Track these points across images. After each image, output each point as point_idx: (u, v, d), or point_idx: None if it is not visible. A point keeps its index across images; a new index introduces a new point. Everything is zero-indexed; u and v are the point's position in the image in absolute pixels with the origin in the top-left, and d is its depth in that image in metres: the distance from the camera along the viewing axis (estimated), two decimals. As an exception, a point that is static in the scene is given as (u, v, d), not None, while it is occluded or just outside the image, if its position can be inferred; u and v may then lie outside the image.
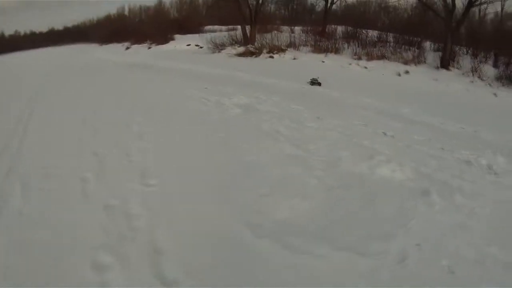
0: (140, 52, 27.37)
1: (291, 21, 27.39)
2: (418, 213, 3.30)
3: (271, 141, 5.30)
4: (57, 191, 4.12)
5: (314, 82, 10.83)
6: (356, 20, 21.33)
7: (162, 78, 12.02)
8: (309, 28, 21.11)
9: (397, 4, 21.96)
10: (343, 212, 3.33)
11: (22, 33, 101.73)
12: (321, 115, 6.50)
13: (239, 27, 23.39)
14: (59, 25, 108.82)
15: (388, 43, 17.19)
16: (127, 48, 32.50)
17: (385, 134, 5.59)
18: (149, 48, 28.67)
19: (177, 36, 29.33)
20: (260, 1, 21.93)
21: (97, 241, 3.11)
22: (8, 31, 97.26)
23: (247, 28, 21.29)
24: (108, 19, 66.97)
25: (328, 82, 9.94)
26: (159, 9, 46.24)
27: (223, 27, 30.86)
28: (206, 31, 30.86)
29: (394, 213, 3.30)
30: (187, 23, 33.76)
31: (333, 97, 8.16)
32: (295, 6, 35.82)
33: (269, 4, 28.84)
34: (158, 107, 7.78)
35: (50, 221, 3.50)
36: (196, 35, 28.45)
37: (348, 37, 18.71)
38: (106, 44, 50.91)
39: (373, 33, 18.51)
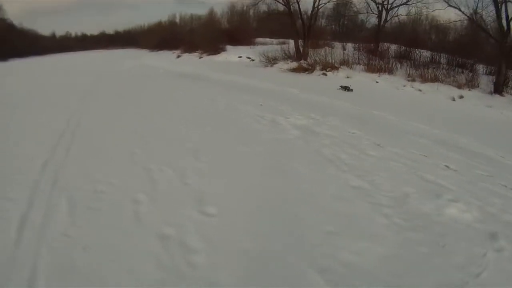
0: (191, 61, 27.54)
1: (341, 37, 27.34)
2: (488, 261, 3.21)
3: (334, 170, 5.13)
4: (106, 212, 4.00)
5: (347, 88, 11.12)
6: (408, 38, 21.15)
7: (216, 91, 12.07)
8: (361, 45, 20.92)
9: (448, 24, 21.60)
10: (414, 257, 3.25)
11: (73, 34, 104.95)
12: (381, 141, 6.43)
13: (290, 41, 23.44)
14: (110, 29, 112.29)
15: (440, 65, 16.98)
16: (178, 56, 33.07)
17: (447, 167, 5.47)
18: (200, 57, 29.08)
19: (228, 47, 29.59)
20: (314, 15, 21.89)
21: (151, 276, 3.01)
22: (60, 32, 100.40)
23: (300, 42, 21.23)
24: (159, 26, 68.23)
25: (383, 105, 9.85)
26: (210, 19, 46.75)
27: (274, 40, 31.00)
28: (257, 44, 31.09)
29: (465, 260, 3.22)
30: (238, 35, 34.00)
31: (389, 121, 8.08)
32: (345, 22, 35.77)
33: (320, 19, 28.83)
34: (212, 123, 7.71)
35: (98, 246, 3.39)
36: (247, 47, 28.69)
37: (400, 57, 18.46)
38: (157, 50, 52.02)
39: (425, 53, 18.22)
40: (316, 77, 16.63)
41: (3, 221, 3.79)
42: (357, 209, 4.06)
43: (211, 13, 53.03)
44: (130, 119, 8.25)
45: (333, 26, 36.27)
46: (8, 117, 9.15)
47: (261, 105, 9.54)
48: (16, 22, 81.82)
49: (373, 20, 26.49)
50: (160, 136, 6.75)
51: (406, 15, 21.19)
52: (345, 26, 36.27)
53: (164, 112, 8.96)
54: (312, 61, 18.34)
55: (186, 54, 34.20)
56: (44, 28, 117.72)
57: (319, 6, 21.82)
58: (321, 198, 4.26)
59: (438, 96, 13.00)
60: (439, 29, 24.74)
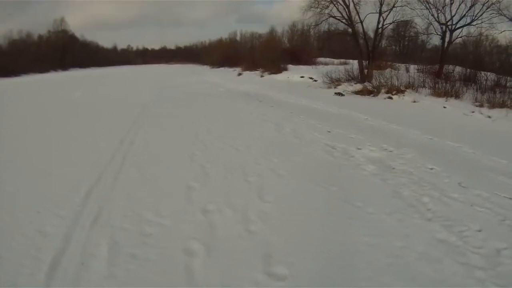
0: (253, 80, 27.58)
1: (403, 58, 26.82)
2: None
3: (418, 218, 4.52)
4: (153, 264, 3.48)
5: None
6: (472, 60, 20.45)
7: (280, 114, 11.93)
8: (425, 67, 20.22)
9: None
10: None
11: (134, 48, 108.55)
12: (462, 180, 5.88)
13: (351, 61, 23.25)
14: (171, 44, 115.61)
15: (507, 89, 16.20)
16: (239, 74, 33.39)
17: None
18: (262, 76, 29.26)
19: (290, 66, 29.65)
20: (379, 36, 21.59)
21: None
22: (121, 45, 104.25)
23: (364, 63, 20.86)
24: (220, 43, 69.58)
25: (456, 134, 9.30)
26: (271, 37, 47.15)
27: (335, 60, 30.92)
28: (318, 63, 31.04)
29: None
30: (299, 54, 34.19)
31: (467, 154, 7.56)
32: (406, 43, 35.19)
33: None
34: (279, 150, 7.46)
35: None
36: (309, 67, 28.75)
37: (465, 80, 17.71)
38: (217, 67, 52.95)
39: (490, 76, 17.41)
40: (381, 100, 16.19)
41: (33, 261, 3.52)
42: (447, 272, 3.48)
43: (272, 32, 53.65)
44: (188, 142, 8.18)
45: (394, 47, 35.75)
46: (57, 130, 9.59)
47: (329, 132, 9.27)
48: (78, 34, 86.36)
49: (434, 41, 25.96)
50: (220, 165, 6.43)
51: (469, 36, 20.46)
52: (405, 47, 35.69)
53: (225, 136, 8.78)
54: (377, 83, 17.89)
55: (247, 72, 34.53)
56: (106, 40, 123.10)
57: (384, 27, 21.48)
58: (406, 257, 3.66)
59: (510, 124, 12.41)
60: (501, 49, 23.87)
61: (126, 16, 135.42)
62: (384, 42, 33.32)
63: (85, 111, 13.38)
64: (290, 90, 19.85)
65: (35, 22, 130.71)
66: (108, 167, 6.43)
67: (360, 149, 7.68)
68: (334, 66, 25.91)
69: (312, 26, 24.52)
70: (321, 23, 22.63)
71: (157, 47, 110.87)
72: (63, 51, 75.21)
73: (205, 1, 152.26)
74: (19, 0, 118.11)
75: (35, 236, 3.97)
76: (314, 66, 29.13)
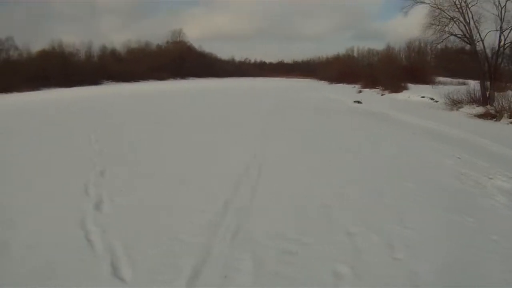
0: (374, 98, 27.31)
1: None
2: None
3: None
4: (299, 283, 3.42)
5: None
6: None
7: (405, 136, 11.83)
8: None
9: None
10: None
11: (252, 60, 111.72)
12: None
13: (469, 81, 22.41)
14: (287, 58, 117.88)
15: None
16: (360, 91, 33.45)
17: None
18: (382, 95, 29.31)
19: (409, 85, 29.44)
20: (500, 55, 20.37)
21: None
22: (238, 57, 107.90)
23: (485, 84, 19.88)
24: (337, 59, 69.98)
25: None
26: (389, 54, 46.79)
27: (453, 80, 30.11)
28: (436, 83, 30.41)
29: None
30: (418, 72, 33.61)
31: None
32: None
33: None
34: (409, 173, 7.34)
35: None
36: (428, 86, 28.13)
37: None
38: (335, 83, 53.43)
39: None
40: (504, 125, 15.34)
41: (171, 270, 3.61)
42: None
43: (390, 49, 53.03)
44: (321, 161, 8.19)
45: (508, 66, 33.75)
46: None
47: (456, 157, 9.01)
48: (195, 44, 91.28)
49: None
50: (354, 184, 6.40)
51: None
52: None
53: (355, 155, 8.78)
54: (499, 106, 16.96)
55: (367, 89, 34.69)
56: (223, 52, 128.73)
57: (505, 45, 20.19)
58: None
59: None
60: None
61: (244, 29, 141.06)
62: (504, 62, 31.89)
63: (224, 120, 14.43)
64: (412, 110, 19.55)
65: (152, 33, 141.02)
66: (243, 180, 6.57)
67: (491, 178, 7.31)
68: (453, 87, 25.08)
69: (432, 45, 24.30)
70: (442, 41, 22.26)
71: (274, 60, 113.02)
72: (181, 61, 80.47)
73: (322, 17, 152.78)
74: (138, 11, 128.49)
75: (173, 244, 4.15)
76: (434, 86, 28.36)
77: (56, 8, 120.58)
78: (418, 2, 22.29)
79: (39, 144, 10.01)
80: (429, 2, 21.82)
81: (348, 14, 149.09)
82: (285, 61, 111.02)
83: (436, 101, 22.67)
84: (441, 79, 33.08)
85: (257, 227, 4.56)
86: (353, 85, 42.18)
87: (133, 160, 8.29)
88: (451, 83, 29.60)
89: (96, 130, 11.91)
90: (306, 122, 14.34)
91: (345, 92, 33.74)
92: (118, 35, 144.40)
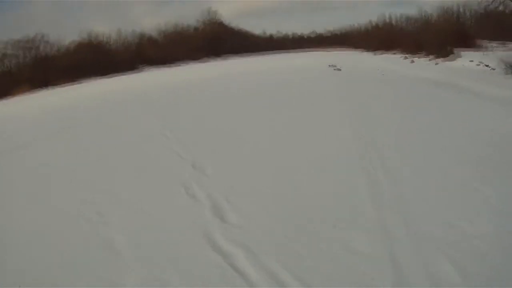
0: (431, 68, 25.65)
1: None
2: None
3: None
4: None
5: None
6: None
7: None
8: None
9: None
10: None
11: (283, 33, 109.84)
12: None
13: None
14: (319, 29, 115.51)
15: None
16: (412, 61, 32.22)
17: None
18: (436, 63, 28.18)
19: (459, 51, 28.45)
20: None
21: None
22: (270, 31, 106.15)
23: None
24: (373, 27, 68.35)
25: None
26: (444, 17, 44.42)
27: (494, 43, 29.04)
28: (480, 47, 29.40)
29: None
30: (463, 37, 32.44)
31: None
32: None
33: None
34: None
35: None
36: (475, 51, 27.20)
37: None
38: (373, 52, 51.98)
39: None
40: None
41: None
42: None
43: (446, 11, 51.19)
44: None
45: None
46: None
47: None
48: (227, 22, 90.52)
49: None
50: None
51: None
52: None
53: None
54: None
55: (415, 57, 33.78)
56: (253, 28, 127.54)
57: None
58: None
59: None
60: None
61: (274, 2, 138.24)
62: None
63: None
64: (473, 79, 17.61)
65: (182, 14, 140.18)
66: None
67: None
68: (502, 52, 23.41)
69: (487, 7, 23.19)
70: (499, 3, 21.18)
71: (307, 32, 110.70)
72: (217, 41, 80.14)
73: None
74: None
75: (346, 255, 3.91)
76: (485, 52, 26.43)
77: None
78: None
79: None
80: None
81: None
82: (318, 32, 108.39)
83: (493, 69, 20.82)
84: (485, 42, 31.36)
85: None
86: (393, 52, 41.03)
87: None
88: (496, 47, 28.06)
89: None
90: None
91: (398, 63, 31.87)
92: (147, 20, 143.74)
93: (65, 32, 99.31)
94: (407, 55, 35.56)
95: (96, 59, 57.44)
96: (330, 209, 4.95)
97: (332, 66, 28.97)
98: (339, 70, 26.87)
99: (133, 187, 6.67)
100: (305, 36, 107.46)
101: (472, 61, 24.04)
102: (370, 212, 4.77)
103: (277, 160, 7.24)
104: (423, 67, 26.38)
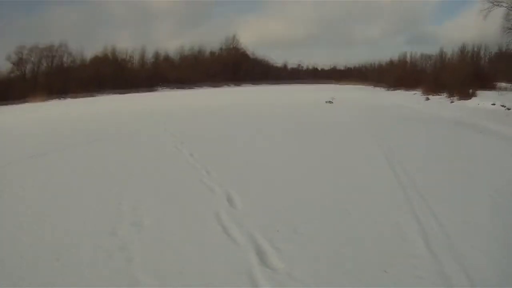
0: (446, 106, 25.91)
1: None
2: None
3: None
4: None
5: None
6: None
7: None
8: None
9: None
10: None
11: (304, 66, 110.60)
12: None
13: None
14: (339, 64, 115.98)
15: None
16: (427, 99, 32.09)
17: None
18: (452, 102, 27.86)
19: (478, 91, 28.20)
20: None
21: None
22: (291, 62, 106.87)
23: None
24: (392, 65, 68.35)
25: None
26: (462, 58, 44.06)
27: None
28: (498, 88, 29.59)
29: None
30: (481, 77, 32.32)
31: None
32: None
33: None
34: None
35: None
36: (492, 92, 27.48)
37: None
38: (392, 89, 51.64)
39: None
40: None
41: None
42: None
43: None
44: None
45: None
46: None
47: None
48: (249, 51, 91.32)
49: None
50: None
51: None
52: None
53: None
54: None
55: (431, 96, 33.43)
56: (276, 58, 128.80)
57: None
58: None
59: None
60: None
61: (297, 35, 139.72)
62: None
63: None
64: (490, 119, 17.83)
65: (205, 39, 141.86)
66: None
67: None
68: None
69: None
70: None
71: (326, 66, 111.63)
72: (236, 67, 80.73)
73: (374, 21, 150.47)
74: (190, 18, 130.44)
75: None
76: (501, 92, 26.79)
77: (109, 11, 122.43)
78: (496, 5, 20.94)
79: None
80: (506, 5, 20.46)
81: (400, 17, 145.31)
82: (337, 68, 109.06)
83: (509, 109, 21.23)
84: (501, 84, 31.69)
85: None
86: (413, 92, 40.51)
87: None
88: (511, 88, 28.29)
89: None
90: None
91: (412, 100, 32.23)
92: (171, 42, 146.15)
93: (88, 43, 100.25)
94: (428, 96, 34.53)
95: (115, 75, 57.93)
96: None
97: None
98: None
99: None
100: (322, 70, 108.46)
101: (494, 104, 23.59)
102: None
103: (320, 201, 6.33)
104: (440, 106, 26.08)
